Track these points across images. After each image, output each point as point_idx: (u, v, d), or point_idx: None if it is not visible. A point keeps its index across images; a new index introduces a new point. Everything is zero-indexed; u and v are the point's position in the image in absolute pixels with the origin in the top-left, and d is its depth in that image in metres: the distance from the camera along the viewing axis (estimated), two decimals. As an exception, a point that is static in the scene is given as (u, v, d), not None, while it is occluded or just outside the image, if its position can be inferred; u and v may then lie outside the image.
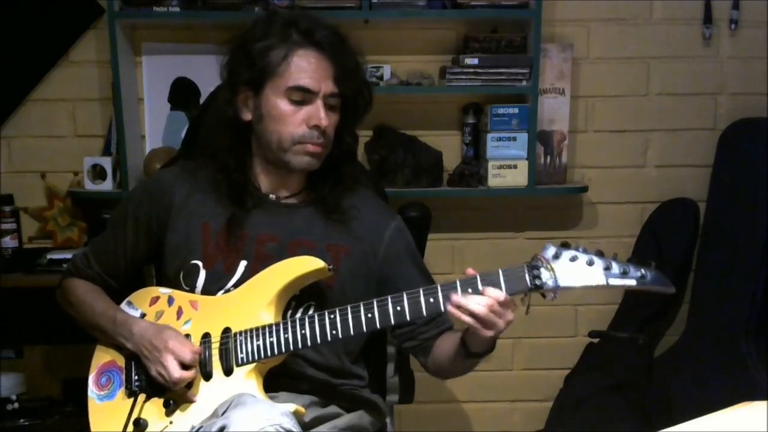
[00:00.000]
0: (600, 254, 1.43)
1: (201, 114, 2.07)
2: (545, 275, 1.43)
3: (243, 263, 1.66)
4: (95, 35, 2.57)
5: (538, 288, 1.44)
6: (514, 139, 2.54)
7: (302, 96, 1.62)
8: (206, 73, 2.54)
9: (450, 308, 1.46)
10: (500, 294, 1.44)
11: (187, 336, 1.61)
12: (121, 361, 1.66)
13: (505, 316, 1.46)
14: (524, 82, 2.51)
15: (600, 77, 2.68)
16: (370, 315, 1.52)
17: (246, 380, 1.55)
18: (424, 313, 1.51)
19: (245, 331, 1.57)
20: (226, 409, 1.46)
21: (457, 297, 1.45)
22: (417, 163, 2.58)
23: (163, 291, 1.69)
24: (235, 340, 1.57)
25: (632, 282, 1.41)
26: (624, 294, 2.73)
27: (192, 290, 1.67)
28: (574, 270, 1.42)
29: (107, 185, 2.51)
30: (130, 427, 1.55)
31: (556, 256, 1.43)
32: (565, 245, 1.45)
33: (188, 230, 1.69)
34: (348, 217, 1.71)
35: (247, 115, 1.67)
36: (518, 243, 2.76)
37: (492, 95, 2.57)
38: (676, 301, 2.73)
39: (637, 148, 2.74)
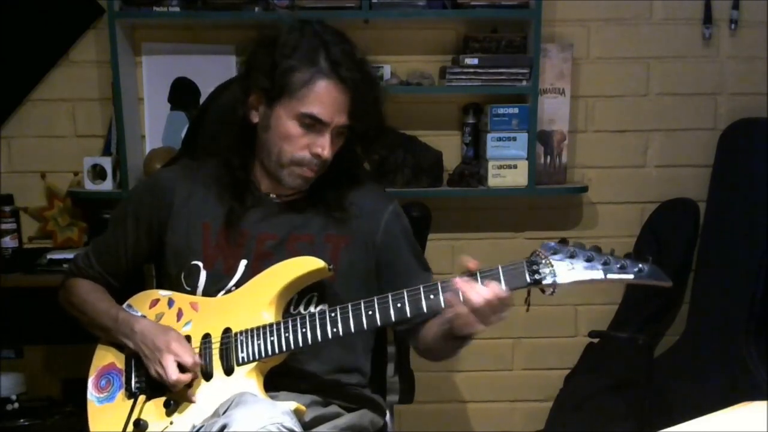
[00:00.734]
0: (598, 250, 1.44)
1: (201, 114, 2.07)
2: (544, 270, 1.44)
3: (243, 262, 1.67)
4: (95, 35, 2.57)
5: (537, 283, 1.44)
6: (514, 139, 2.54)
7: (313, 123, 1.61)
8: (206, 73, 2.56)
9: (447, 296, 1.46)
10: (501, 289, 1.44)
11: (188, 337, 1.61)
12: (121, 363, 1.67)
13: (499, 312, 1.45)
14: (524, 82, 2.51)
15: (600, 77, 2.68)
16: (370, 312, 1.52)
17: (247, 379, 1.55)
18: (425, 310, 1.51)
19: (246, 331, 1.57)
20: (227, 408, 1.46)
21: (461, 282, 1.45)
22: (417, 163, 2.58)
23: (163, 293, 1.70)
24: (236, 340, 1.58)
25: (630, 276, 1.42)
26: (624, 294, 2.74)
27: (193, 290, 1.67)
28: (573, 265, 1.43)
29: (107, 185, 2.51)
30: (130, 428, 1.55)
31: (555, 252, 1.44)
32: (564, 241, 1.46)
33: (189, 230, 1.69)
34: (348, 214, 1.72)
35: (255, 118, 1.67)
36: (518, 243, 2.76)
37: (492, 95, 2.57)
38: (676, 301, 2.73)
39: (637, 148, 2.74)
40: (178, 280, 1.69)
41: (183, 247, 1.69)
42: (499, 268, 1.47)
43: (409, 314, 1.52)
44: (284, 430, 1.37)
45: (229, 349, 1.58)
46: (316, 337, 1.54)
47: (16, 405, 2.40)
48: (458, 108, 2.67)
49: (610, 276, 1.42)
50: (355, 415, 1.69)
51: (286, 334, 1.55)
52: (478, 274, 1.47)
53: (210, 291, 1.66)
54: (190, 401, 1.56)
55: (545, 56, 2.56)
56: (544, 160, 2.62)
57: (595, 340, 2.67)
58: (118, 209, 1.82)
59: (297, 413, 1.46)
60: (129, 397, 1.61)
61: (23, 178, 2.64)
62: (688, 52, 2.68)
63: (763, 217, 2.44)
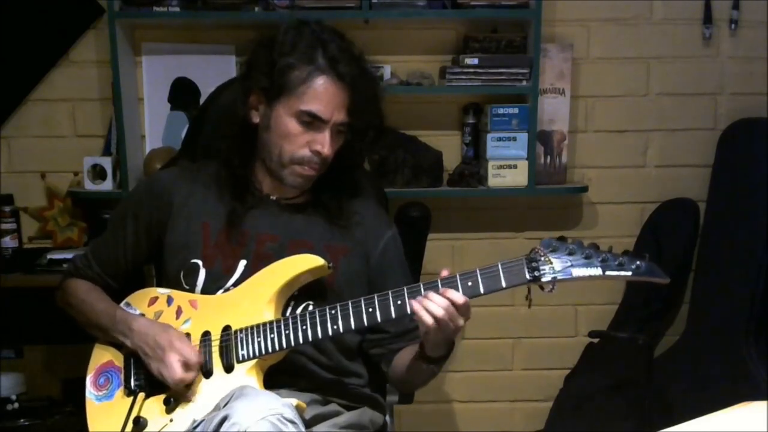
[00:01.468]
0: (596, 248, 1.45)
1: (201, 114, 2.07)
2: (543, 268, 1.44)
3: (242, 262, 1.67)
4: (95, 35, 2.57)
5: (537, 280, 1.45)
6: (514, 139, 2.54)
7: (312, 121, 1.62)
8: (206, 73, 2.56)
9: (414, 305, 1.48)
10: (459, 297, 1.45)
11: (187, 335, 1.61)
12: (119, 361, 1.66)
13: (456, 320, 1.46)
14: (524, 82, 2.51)
15: (600, 77, 2.68)
16: (371, 309, 1.52)
17: (247, 377, 1.55)
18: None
19: (246, 329, 1.57)
20: (228, 401, 1.46)
21: (421, 296, 1.47)
22: (417, 163, 2.58)
23: (162, 291, 1.70)
24: (236, 338, 1.57)
25: (628, 273, 1.43)
26: (624, 294, 2.74)
27: (192, 289, 1.67)
28: (571, 262, 1.44)
29: (107, 185, 2.51)
30: (130, 426, 1.55)
31: (554, 249, 1.45)
32: (562, 239, 1.47)
33: (188, 230, 1.70)
34: (350, 222, 1.72)
35: (256, 119, 1.68)
36: (518, 243, 2.75)
37: (492, 95, 2.57)
38: (676, 301, 2.73)
39: (637, 148, 2.74)
40: (177, 279, 1.68)
41: (182, 246, 1.69)
42: (499, 265, 1.47)
43: (409, 311, 1.52)
44: (285, 421, 1.37)
45: (229, 347, 1.58)
46: (317, 334, 1.54)
47: (16, 405, 2.40)
48: (458, 108, 2.67)
49: (608, 273, 1.43)
50: (354, 413, 1.68)
51: (287, 332, 1.55)
52: (458, 276, 1.48)
53: (209, 290, 1.66)
54: (190, 399, 1.56)
55: (545, 56, 2.56)
56: (544, 160, 2.62)
57: (595, 340, 2.67)
58: (117, 210, 1.82)
59: (297, 409, 1.46)
60: (128, 395, 1.61)
61: (23, 178, 2.64)
62: (688, 52, 2.68)
63: (763, 217, 2.45)
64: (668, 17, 2.66)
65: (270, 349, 1.55)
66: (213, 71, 2.52)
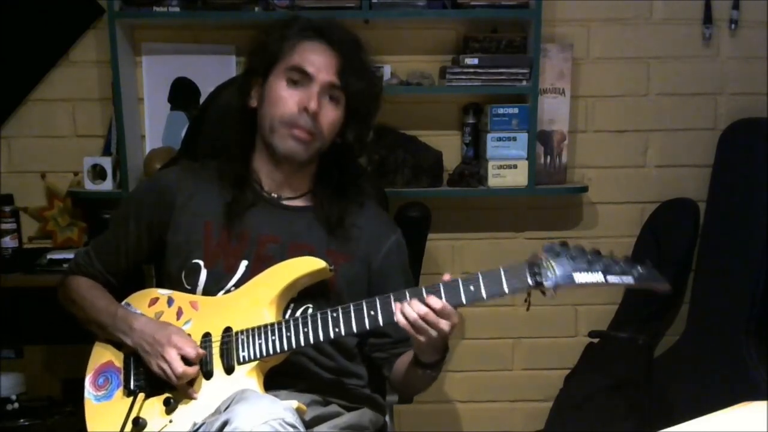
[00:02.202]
0: (598, 253, 1.45)
1: (201, 114, 2.07)
2: (545, 273, 1.44)
3: (244, 263, 1.67)
4: (95, 35, 2.57)
5: (539, 285, 1.44)
6: (514, 139, 2.54)
7: (300, 78, 1.64)
8: (206, 73, 2.56)
9: (394, 309, 1.49)
10: (438, 303, 1.45)
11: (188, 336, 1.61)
12: (119, 361, 1.66)
13: (437, 324, 1.46)
14: (524, 82, 2.51)
15: (600, 77, 2.68)
16: (372, 312, 1.52)
17: (247, 378, 1.55)
18: None
19: (247, 330, 1.57)
20: (229, 404, 1.46)
21: (404, 304, 1.48)
22: (417, 163, 2.58)
23: (162, 292, 1.70)
24: (237, 339, 1.57)
25: (630, 279, 1.43)
26: (624, 294, 2.73)
27: (193, 289, 1.67)
28: (574, 268, 1.43)
29: (107, 185, 2.50)
30: (129, 427, 1.55)
31: (556, 255, 1.44)
32: (564, 244, 1.46)
33: (190, 229, 1.70)
34: (350, 234, 1.73)
35: (254, 102, 1.70)
36: (518, 243, 2.75)
37: (492, 95, 2.57)
38: (676, 301, 2.73)
39: (637, 148, 2.74)
40: (179, 278, 1.69)
41: (184, 246, 1.69)
42: (501, 269, 1.47)
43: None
44: (287, 426, 1.37)
45: (229, 348, 1.57)
46: (318, 336, 1.54)
47: (16, 405, 2.40)
48: (458, 108, 2.66)
49: (610, 279, 1.42)
50: (355, 414, 1.68)
51: (288, 334, 1.55)
52: (441, 286, 1.48)
53: (210, 290, 1.66)
54: (190, 399, 1.56)
55: (545, 56, 2.55)
56: (544, 160, 2.62)
57: (595, 340, 2.67)
58: (119, 209, 1.82)
59: (298, 412, 1.46)
60: (128, 395, 1.61)
61: (23, 178, 2.64)
62: (688, 52, 2.68)
63: (763, 217, 2.44)
64: (668, 17, 2.66)
65: (271, 351, 1.55)
66: (213, 71, 2.52)
